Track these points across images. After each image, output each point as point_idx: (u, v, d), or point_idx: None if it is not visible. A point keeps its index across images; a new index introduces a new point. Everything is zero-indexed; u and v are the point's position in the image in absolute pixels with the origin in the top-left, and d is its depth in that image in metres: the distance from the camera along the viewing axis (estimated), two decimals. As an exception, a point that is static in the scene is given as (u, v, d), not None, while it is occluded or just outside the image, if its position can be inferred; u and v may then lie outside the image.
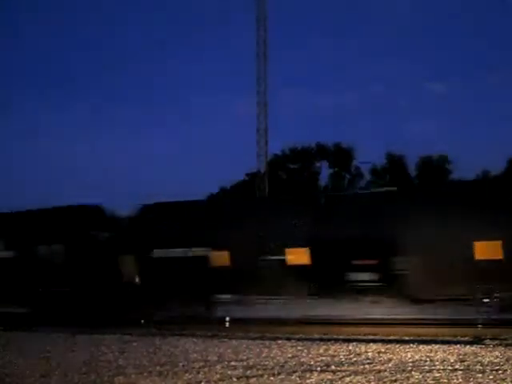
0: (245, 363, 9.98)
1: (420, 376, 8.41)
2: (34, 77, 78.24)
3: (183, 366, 9.85)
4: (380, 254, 16.32)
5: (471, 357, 10.22)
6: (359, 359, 10.21)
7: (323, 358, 10.49)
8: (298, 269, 16.98)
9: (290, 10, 66.99)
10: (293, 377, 8.60)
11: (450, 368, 9.04)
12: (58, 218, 21.23)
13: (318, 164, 51.61)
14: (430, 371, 8.77)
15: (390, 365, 9.49)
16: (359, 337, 13.85)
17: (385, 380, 8.18)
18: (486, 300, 17.10)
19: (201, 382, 8.42)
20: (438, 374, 8.51)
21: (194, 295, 18.79)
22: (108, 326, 17.22)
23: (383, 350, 11.28)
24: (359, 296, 16.59)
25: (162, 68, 76.50)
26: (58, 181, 57.15)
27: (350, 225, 16.96)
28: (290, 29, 66.23)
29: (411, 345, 12.03)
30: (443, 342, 12.29)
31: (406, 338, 13.28)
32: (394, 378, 8.26)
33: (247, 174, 48.64)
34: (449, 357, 10.24)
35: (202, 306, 18.77)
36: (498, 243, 15.56)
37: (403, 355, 10.59)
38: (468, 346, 11.69)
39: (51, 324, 18.27)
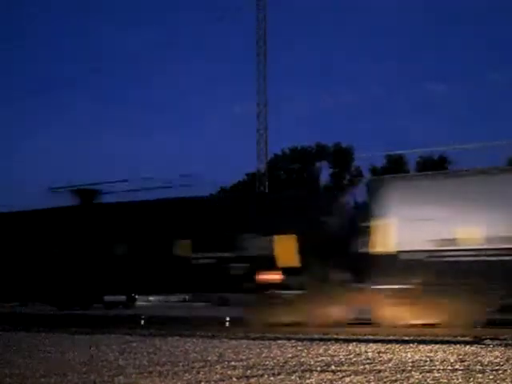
0: (245, 363, 9.97)
1: (420, 376, 8.40)
2: (34, 77, 78.23)
3: (183, 365, 9.84)
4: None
5: (471, 357, 10.21)
6: (359, 359, 10.21)
7: (323, 358, 10.48)
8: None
9: (290, 10, 67.02)
10: (293, 377, 8.58)
11: (450, 368, 9.03)
12: None
13: (318, 164, 51.58)
14: (430, 371, 8.76)
15: (390, 365, 9.48)
16: (359, 337, 13.85)
17: (385, 380, 8.17)
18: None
19: (201, 382, 8.40)
20: (437, 374, 8.49)
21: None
22: (108, 326, 17.25)
23: (383, 350, 11.28)
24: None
25: (161, 68, 76.57)
26: (57, 180, 57.02)
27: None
28: (290, 29, 66.23)
29: (411, 345, 12.02)
30: (443, 342, 12.29)
31: (406, 338, 13.28)
32: (394, 378, 8.24)
33: (247, 174, 48.62)
34: (449, 357, 10.23)
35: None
36: None
37: (403, 355, 10.59)
38: (468, 346, 11.68)
39: (51, 324, 18.29)
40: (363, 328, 15.69)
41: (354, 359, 10.23)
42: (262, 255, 18.14)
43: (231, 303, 22.63)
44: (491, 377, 8.26)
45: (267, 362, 10.03)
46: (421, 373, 8.64)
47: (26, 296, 23.38)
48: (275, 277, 17.90)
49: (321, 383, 8.16)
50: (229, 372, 9.09)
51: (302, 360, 10.26)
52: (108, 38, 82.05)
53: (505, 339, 12.71)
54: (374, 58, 71.62)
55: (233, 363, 9.96)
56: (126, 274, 20.07)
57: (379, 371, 8.88)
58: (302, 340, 13.37)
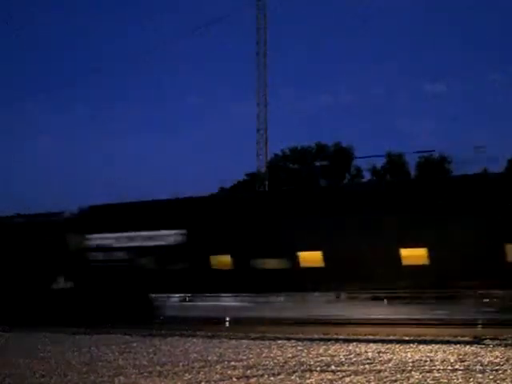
0: (245, 363, 9.97)
1: (420, 376, 8.40)
2: (34, 77, 78.27)
3: (183, 365, 9.84)
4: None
5: (471, 357, 10.21)
6: (359, 359, 10.20)
7: (323, 358, 10.48)
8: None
9: (290, 10, 67.03)
10: (293, 377, 8.59)
11: (450, 368, 9.03)
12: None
13: (318, 164, 51.53)
14: (430, 371, 8.77)
15: (390, 365, 9.48)
16: (359, 337, 13.84)
17: (385, 380, 8.17)
18: (485, 300, 17.13)
19: (201, 382, 8.41)
20: (438, 374, 8.50)
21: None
22: (108, 326, 17.24)
23: (383, 350, 11.28)
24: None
25: (161, 68, 76.52)
26: (57, 181, 57.13)
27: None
28: (289, 29, 66.22)
29: (411, 345, 12.02)
30: (443, 342, 12.29)
31: (406, 338, 13.27)
32: (394, 378, 8.25)
33: (247, 174, 48.60)
34: (449, 357, 10.24)
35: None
36: None
37: (403, 355, 10.59)
38: (468, 346, 11.68)
39: (51, 324, 18.29)
40: (363, 328, 15.67)
41: (354, 359, 10.23)
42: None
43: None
44: (491, 377, 8.26)
45: (267, 362, 10.03)
46: (421, 373, 8.64)
47: None
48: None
49: (321, 383, 8.16)
50: (229, 372, 9.09)
51: (302, 360, 10.25)
52: (108, 37, 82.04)
53: (505, 339, 12.71)
54: (374, 58, 71.51)
55: (233, 363, 9.96)
56: None
57: (379, 371, 8.88)
58: (302, 340, 13.36)
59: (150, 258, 19.13)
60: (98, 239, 20.07)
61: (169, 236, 18.99)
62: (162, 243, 19.03)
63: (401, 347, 11.69)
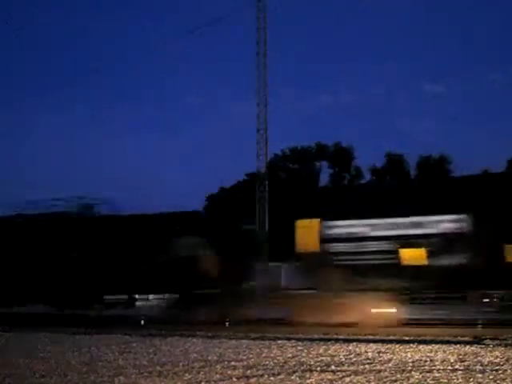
0: (245, 363, 9.97)
1: (420, 376, 8.40)
2: (34, 77, 78.26)
3: (183, 365, 9.84)
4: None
5: (471, 357, 10.21)
6: (359, 359, 10.21)
7: (323, 358, 10.49)
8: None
9: (290, 10, 66.95)
10: (293, 377, 8.59)
11: (450, 368, 9.03)
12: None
13: (317, 164, 51.58)
14: (430, 371, 8.77)
15: (390, 365, 9.48)
16: (359, 337, 13.84)
17: (385, 380, 8.17)
18: (485, 300, 17.14)
19: (201, 382, 8.41)
20: (438, 374, 8.50)
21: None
22: (108, 326, 17.25)
23: (383, 350, 11.28)
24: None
25: (161, 68, 76.49)
26: (57, 181, 57.12)
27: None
28: (289, 29, 66.19)
29: (411, 345, 12.02)
30: (443, 342, 12.28)
31: (406, 338, 13.27)
32: (394, 378, 8.25)
33: (247, 174, 48.61)
34: (449, 357, 10.23)
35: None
36: None
37: (403, 355, 10.59)
38: (468, 346, 11.68)
39: (51, 324, 18.30)
40: (363, 328, 15.67)
41: (354, 359, 10.23)
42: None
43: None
44: (491, 377, 8.26)
45: (267, 362, 10.03)
46: (421, 373, 8.64)
47: (28, 297, 23.34)
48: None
49: (321, 383, 8.16)
50: (229, 372, 9.09)
51: (302, 360, 10.26)
52: (108, 37, 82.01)
53: (505, 339, 12.71)
54: (374, 58, 71.49)
55: (233, 363, 9.96)
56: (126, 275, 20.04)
57: (379, 371, 8.88)
58: (302, 340, 13.37)
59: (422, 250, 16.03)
60: (337, 227, 17.12)
61: (444, 222, 15.91)
62: (436, 231, 16.02)
63: (401, 347, 11.69)
